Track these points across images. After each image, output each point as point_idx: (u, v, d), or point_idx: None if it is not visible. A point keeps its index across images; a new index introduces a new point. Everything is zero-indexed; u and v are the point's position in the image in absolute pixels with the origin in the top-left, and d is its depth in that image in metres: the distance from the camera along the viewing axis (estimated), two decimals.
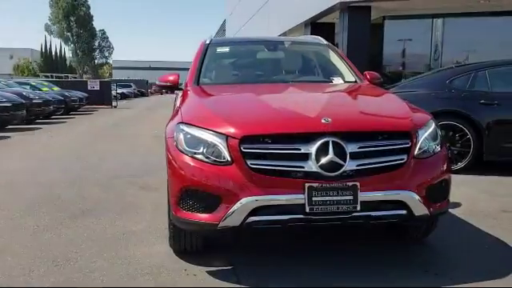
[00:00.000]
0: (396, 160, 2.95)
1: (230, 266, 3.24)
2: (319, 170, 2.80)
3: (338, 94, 4.00)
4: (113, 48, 76.07)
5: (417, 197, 2.95)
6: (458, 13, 10.82)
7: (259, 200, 2.81)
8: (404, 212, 2.95)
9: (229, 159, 2.88)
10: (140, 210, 4.67)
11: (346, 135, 2.86)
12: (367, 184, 2.85)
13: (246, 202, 2.80)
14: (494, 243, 3.70)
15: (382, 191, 2.90)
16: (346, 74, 4.46)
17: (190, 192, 2.96)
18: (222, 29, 42.67)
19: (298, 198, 2.81)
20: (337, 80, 4.33)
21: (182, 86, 4.24)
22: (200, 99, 3.68)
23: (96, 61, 73.73)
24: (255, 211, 2.83)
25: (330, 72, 4.52)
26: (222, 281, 3.03)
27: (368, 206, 2.87)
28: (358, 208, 2.83)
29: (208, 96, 3.75)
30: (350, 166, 2.82)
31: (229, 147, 2.88)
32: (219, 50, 4.62)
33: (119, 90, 33.92)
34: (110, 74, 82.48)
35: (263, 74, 4.51)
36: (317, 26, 12.61)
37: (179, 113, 3.39)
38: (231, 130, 2.91)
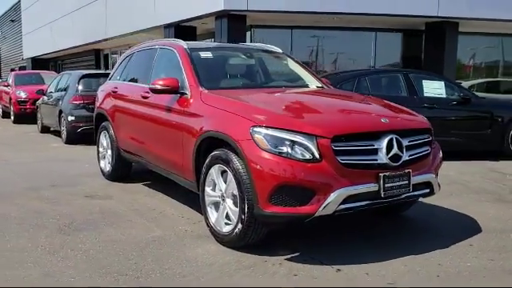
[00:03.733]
0: (425, 150, 3.81)
1: (298, 253, 3.61)
2: (388, 162, 3.47)
3: (356, 99, 4.60)
4: None
5: (436, 177, 3.87)
6: (307, 26, 12.54)
7: (350, 190, 3.33)
8: (428, 190, 3.83)
9: (317, 156, 3.31)
10: (129, 217, 4.50)
11: (400, 132, 3.59)
12: (414, 170, 3.63)
13: (341, 193, 3.30)
14: (443, 210, 4.89)
15: (421, 175, 3.72)
16: (312, 79, 5.12)
17: (285, 188, 3.28)
18: (10, 18, 36.01)
19: (375, 186, 3.43)
20: (311, 85, 4.97)
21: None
22: (247, 103, 3.89)
23: None
24: (344, 200, 3.34)
25: (302, 78, 5.13)
26: (313, 265, 3.38)
27: (413, 187, 3.65)
28: (411, 190, 3.60)
29: (250, 100, 4.00)
30: (405, 156, 3.57)
31: (319, 146, 3.31)
32: (203, 55, 4.75)
33: None
34: None
35: (260, 80, 4.89)
36: (180, 28, 12.79)
37: (240, 116, 3.59)
38: (321, 131, 3.34)
